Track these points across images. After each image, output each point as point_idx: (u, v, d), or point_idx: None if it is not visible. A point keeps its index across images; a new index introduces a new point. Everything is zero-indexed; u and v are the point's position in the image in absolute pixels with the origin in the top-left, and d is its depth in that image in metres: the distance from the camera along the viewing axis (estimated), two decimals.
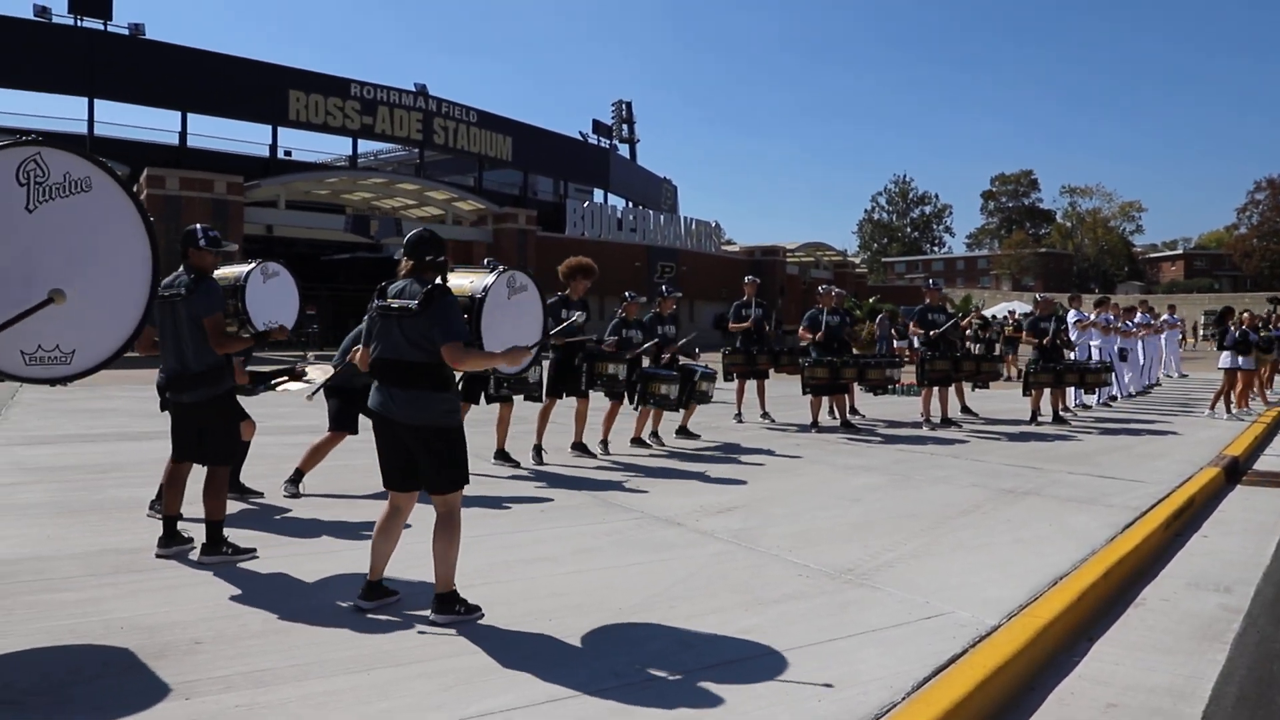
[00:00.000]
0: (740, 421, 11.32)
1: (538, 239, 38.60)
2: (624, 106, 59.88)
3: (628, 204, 51.20)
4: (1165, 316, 20.05)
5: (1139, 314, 17.31)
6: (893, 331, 22.40)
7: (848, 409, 11.14)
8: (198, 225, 4.96)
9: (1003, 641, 3.62)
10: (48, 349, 3.66)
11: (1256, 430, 10.82)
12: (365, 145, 45.50)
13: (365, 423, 4.95)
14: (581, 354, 8.24)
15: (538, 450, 8.08)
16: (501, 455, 7.89)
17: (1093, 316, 13.97)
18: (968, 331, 18.61)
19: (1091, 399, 13.57)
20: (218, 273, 5.32)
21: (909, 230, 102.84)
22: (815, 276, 51.12)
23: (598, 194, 52.71)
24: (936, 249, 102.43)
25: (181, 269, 4.81)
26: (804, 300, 39.23)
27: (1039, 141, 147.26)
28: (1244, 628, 4.22)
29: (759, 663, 3.39)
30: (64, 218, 3.64)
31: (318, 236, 36.09)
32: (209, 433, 4.75)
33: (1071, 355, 12.46)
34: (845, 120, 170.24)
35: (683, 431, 9.84)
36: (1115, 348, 14.45)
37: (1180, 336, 24.46)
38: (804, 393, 10.70)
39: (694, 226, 48.06)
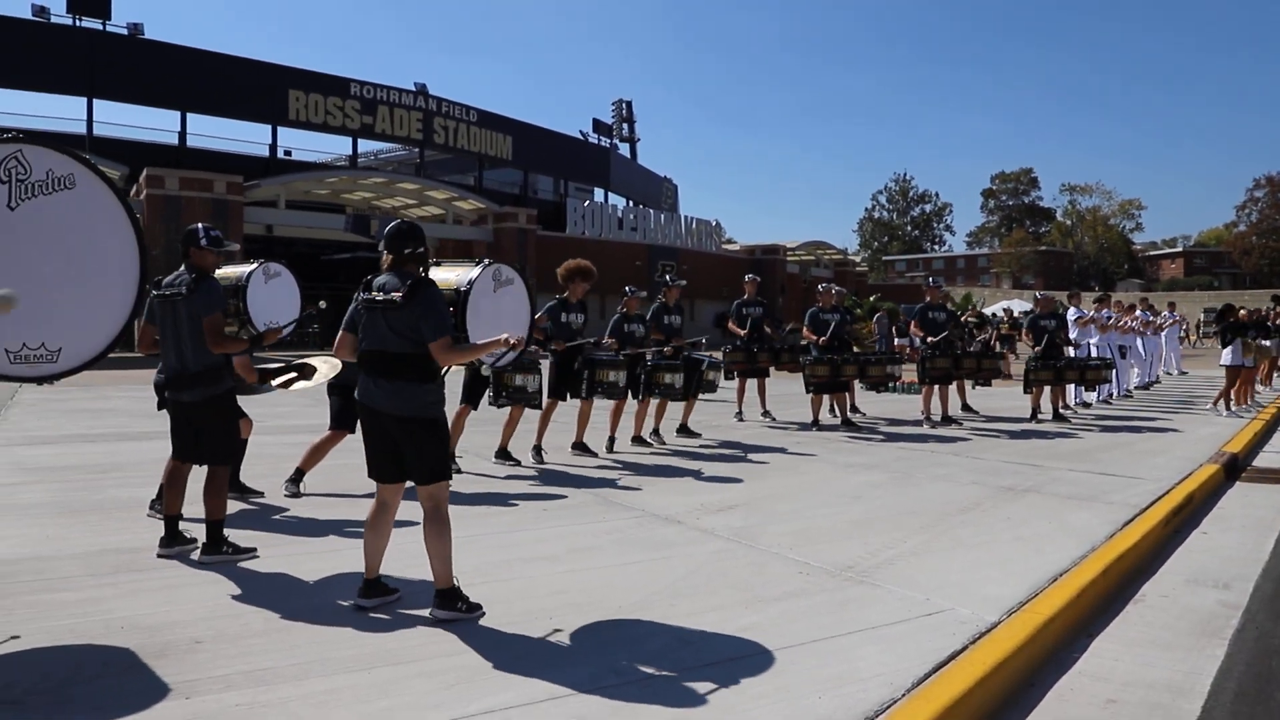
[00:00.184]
0: (741, 420, 11.33)
1: (538, 238, 38.61)
2: (624, 105, 59.90)
3: (628, 203, 51.20)
4: (1165, 314, 20.06)
5: (1138, 311, 17.32)
6: (893, 330, 22.41)
7: (849, 407, 11.15)
8: (200, 225, 4.96)
9: (1003, 638, 3.62)
10: (33, 347, 3.65)
11: (1256, 427, 10.82)
12: (365, 145, 45.57)
13: None
14: (581, 358, 8.22)
15: (537, 450, 8.07)
16: (503, 454, 7.89)
17: (1091, 313, 13.97)
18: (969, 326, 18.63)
19: (1091, 396, 13.57)
20: (219, 272, 5.32)
21: (909, 229, 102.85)
22: (816, 275, 51.12)
23: (598, 193, 52.74)
24: (937, 247, 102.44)
25: (183, 268, 4.81)
26: (804, 299, 39.22)
27: (1039, 139, 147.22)
28: (1243, 624, 4.22)
29: (759, 660, 3.39)
30: (47, 215, 3.63)
31: (318, 236, 36.09)
32: (207, 432, 4.75)
33: (1071, 352, 12.46)
34: (846, 119, 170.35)
35: (684, 430, 9.85)
36: (1115, 345, 14.45)
37: (1182, 334, 24.47)
38: (805, 391, 10.70)
39: (694, 225, 48.06)
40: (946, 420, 11.14)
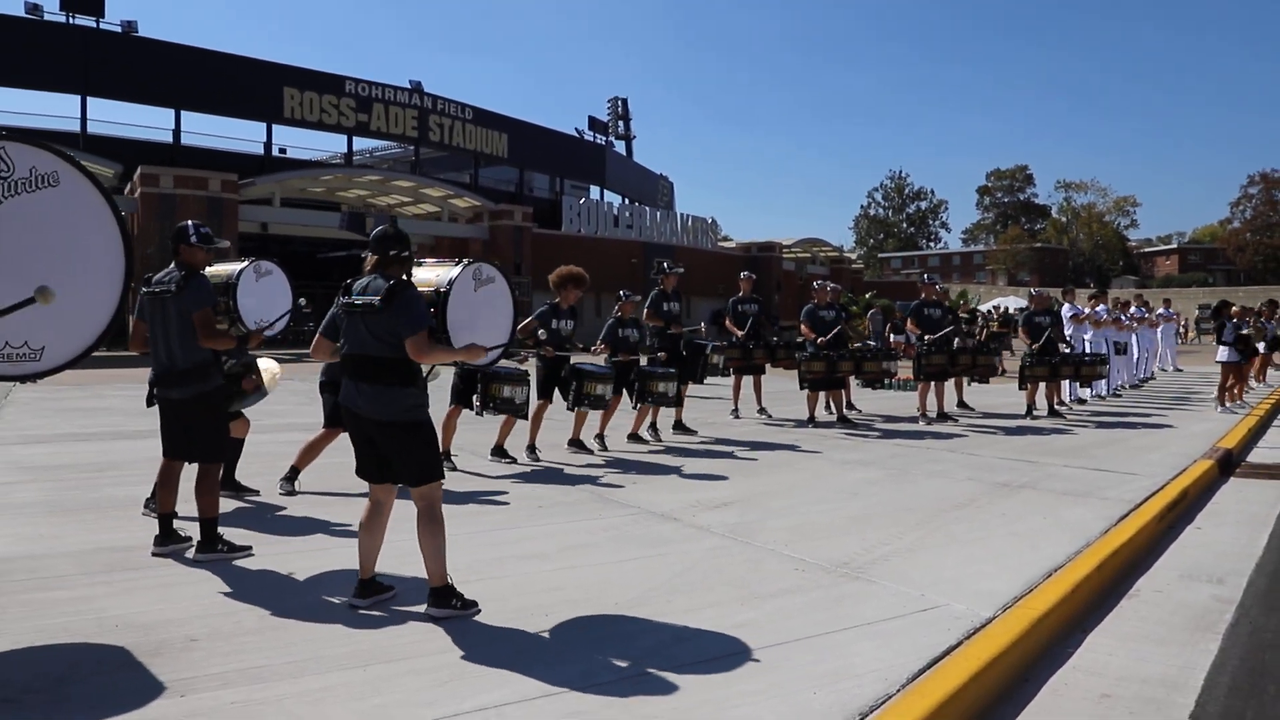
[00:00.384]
0: (737, 417, 11.33)
1: (534, 236, 38.59)
2: (620, 103, 59.81)
3: (624, 200, 51.16)
4: (1160, 310, 20.10)
5: (1133, 308, 17.35)
6: (888, 327, 22.45)
7: (844, 404, 11.16)
8: (189, 222, 4.96)
9: (997, 633, 3.62)
10: (15, 345, 3.61)
11: (1250, 423, 10.85)
12: (360, 143, 45.51)
13: None
14: (567, 367, 8.19)
15: (532, 448, 8.06)
16: (499, 451, 7.88)
17: (1087, 310, 13.99)
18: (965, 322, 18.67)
19: (1086, 393, 13.60)
20: (210, 270, 5.31)
21: (905, 226, 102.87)
22: (811, 272, 51.17)
23: (594, 191, 52.70)
24: (932, 244, 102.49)
25: (173, 265, 4.80)
26: (800, 296, 39.28)
27: (1034, 137, 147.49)
28: (1236, 618, 4.23)
29: (754, 656, 3.39)
30: (30, 214, 3.59)
31: (313, 234, 36.03)
32: (195, 430, 4.74)
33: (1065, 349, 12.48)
34: (841, 117, 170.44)
35: (679, 427, 9.85)
36: (1113, 341, 14.48)
37: (1179, 331, 24.51)
38: (800, 388, 10.70)
39: (690, 223, 48.07)
40: (942, 417, 11.15)
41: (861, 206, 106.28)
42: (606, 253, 40.45)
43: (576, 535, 5.30)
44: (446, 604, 3.80)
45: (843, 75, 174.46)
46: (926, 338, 11.00)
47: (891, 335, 21.20)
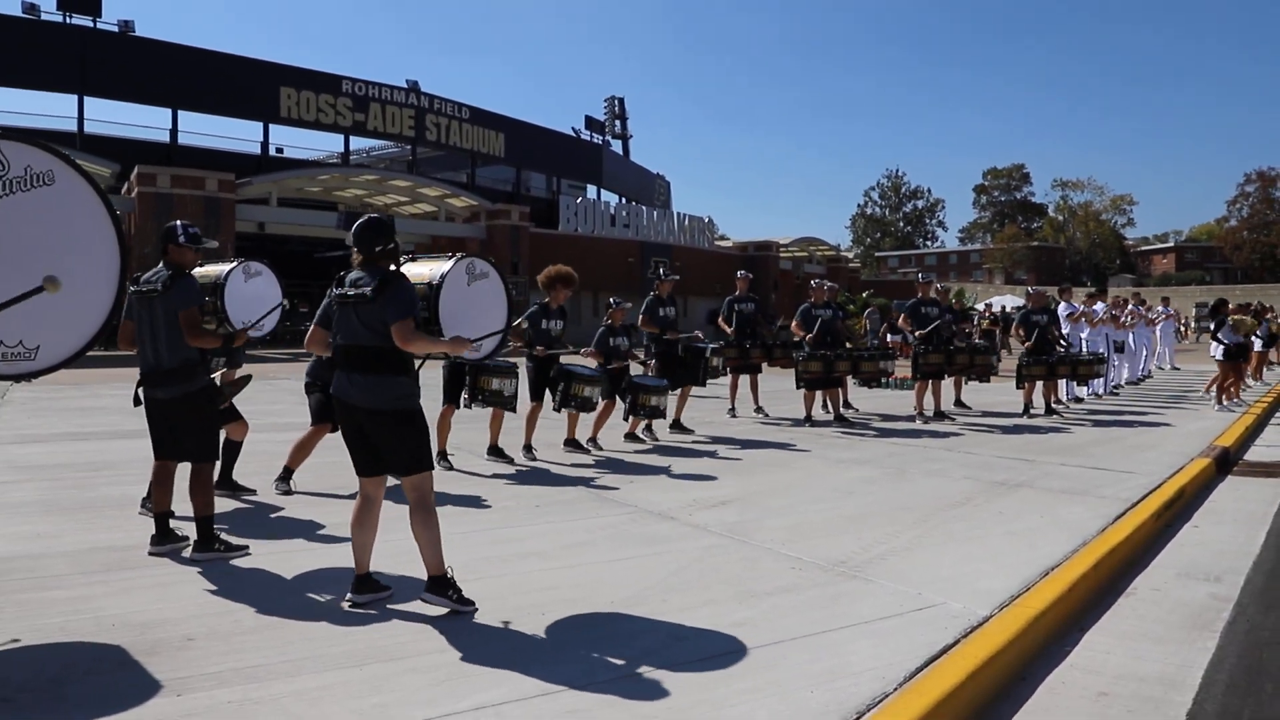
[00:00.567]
0: (734, 416, 11.32)
1: (531, 235, 38.52)
2: (617, 102, 59.74)
3: (621, 200, 51.10)
4: (1159, 308, 20.12)
5: (1130, 305, 17.37)
6: (885, 326, 22.45)
7: (841, 403, 11.16)
8: (177, 222, 4.96)
9: (994, 632, 3.63)
10: (10, 345, 3.61)
11: (1247, 421, 10.87)
12: (357, 142, 45.31)
13: None
14: (556, 368, 8.17)
15: (528, 448, 8.05)
16: (495, 451, 7.87)
17: (1082, 308, 14.00)
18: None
19: (1084, 391, 13.61)
20: (198, 270, 5.31)
21: (902, 225, 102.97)
22: (808, 271, 51.14)
23: (591, 190, 52.62)
24: (929, 243, 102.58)
25: (161, 264, 4.80)
26: (797, 295, 39.26)
27: (1030, 135, 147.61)
28: (1234, 616, 4.24)
29: (751, 655, 3.40)
30: (26, 212, 3.59)
31: (310, 234, 35.93)
32: (182, 429, 4.72)
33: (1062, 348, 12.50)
34: (838, 116, 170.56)
35: (677, 426, 9.84)
36: (1112, 340, 14.49)
37: (1178, 329, 24.52)
38: (797, 387, 10.71)
39: (687, 222, 48.02)
40: (939, 415, 11.16)
41: (858, 205, 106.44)
42: (603, 252, 40.40)
43: (573, 534, 5.30)
44: (443, 593, 3.80)
45: (841, 75, 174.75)
46: (918, 333, 11.02)
47: (889, 335, 21.21)
